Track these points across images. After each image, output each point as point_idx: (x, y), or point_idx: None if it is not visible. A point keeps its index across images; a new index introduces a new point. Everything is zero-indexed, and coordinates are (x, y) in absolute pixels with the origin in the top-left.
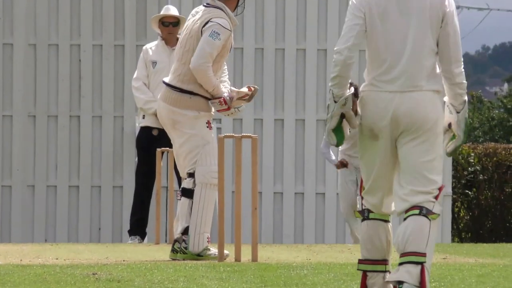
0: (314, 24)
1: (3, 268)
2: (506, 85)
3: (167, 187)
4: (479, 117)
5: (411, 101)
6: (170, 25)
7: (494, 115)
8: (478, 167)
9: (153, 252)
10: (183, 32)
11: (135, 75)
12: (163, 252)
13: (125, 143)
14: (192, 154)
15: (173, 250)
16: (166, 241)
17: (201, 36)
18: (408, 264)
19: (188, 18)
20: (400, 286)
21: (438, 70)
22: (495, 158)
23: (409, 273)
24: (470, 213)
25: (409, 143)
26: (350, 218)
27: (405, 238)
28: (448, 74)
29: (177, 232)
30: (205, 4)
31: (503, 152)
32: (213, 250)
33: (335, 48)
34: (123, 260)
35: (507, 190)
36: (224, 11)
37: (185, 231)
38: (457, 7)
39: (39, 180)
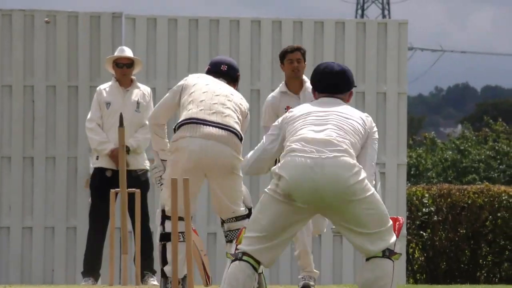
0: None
1: None
2: (459, 127)
3: (120, 228)
4: (432, 159)
5: None
6: (124, 66)
7: (447, 156)
8: (432, 208)
9: None
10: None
11: (88, 116)
12: None
13: (79, 184)
14: (241, 196)
15: None
16: (119, 283)
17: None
18: None
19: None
20: None
21: None
22: (449, 199)
23: None
24: (425, 254)
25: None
26: None
27: (371, 282)
28: None
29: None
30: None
31: (457, 193)
32: None
33: None
34: None
35: (461, 231)
36: None
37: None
38: (411, 48)
39: None
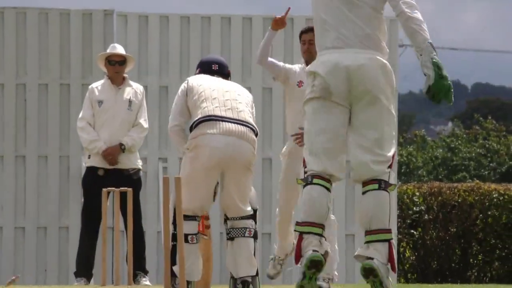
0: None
1: None
2: (450, 124)
3: (113, 228)
4: (422, 156)
5: None
6: (116, 64)
7: (437, 154)
8: (423, 207)
9: None
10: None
11: (80, 115)
12: None
13: (71, 183)
14: (249, 194)
15: None
16: (112, 282)
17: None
18: (376, 243)
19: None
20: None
21: None
22: (440, 198)
23: (378, 251)
24: (416, 253)
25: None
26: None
27: (369, 216)
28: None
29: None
30: None
31: (448, 191)
32: None
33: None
34: None
35: (452, 230)
36: None
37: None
38: (401, 46)
39: None
